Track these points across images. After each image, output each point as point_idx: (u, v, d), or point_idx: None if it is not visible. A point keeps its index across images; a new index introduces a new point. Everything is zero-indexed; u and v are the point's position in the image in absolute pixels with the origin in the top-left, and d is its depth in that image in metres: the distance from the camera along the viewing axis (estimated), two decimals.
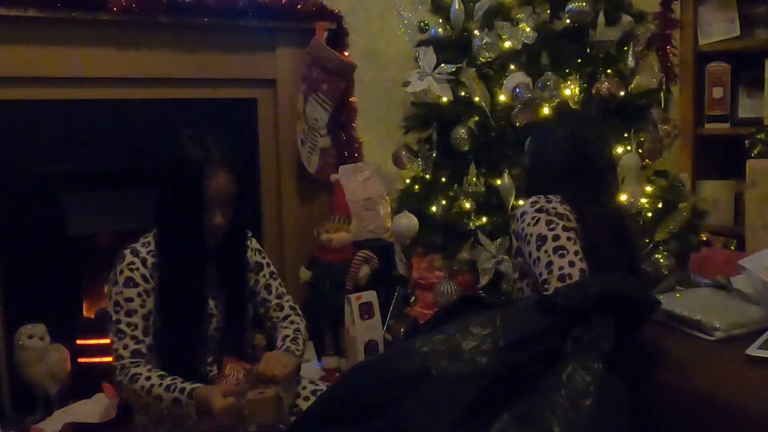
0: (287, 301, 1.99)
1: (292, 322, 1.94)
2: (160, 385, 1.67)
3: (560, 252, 1.65)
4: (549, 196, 1.78)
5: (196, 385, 1.67)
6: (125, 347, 1.71)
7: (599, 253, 1.70)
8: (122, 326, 1.73)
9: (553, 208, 1.73)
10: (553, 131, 1.99)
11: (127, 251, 1.79)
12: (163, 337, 1.78)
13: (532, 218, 1.73)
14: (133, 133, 2.53)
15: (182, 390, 1.65)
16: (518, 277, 1.85)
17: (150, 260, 1.79)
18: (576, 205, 1.77)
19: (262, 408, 1.63)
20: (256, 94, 2.76)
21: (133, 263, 1.77)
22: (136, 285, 1.75)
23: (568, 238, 1.68)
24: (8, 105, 2.34)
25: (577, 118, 2.30)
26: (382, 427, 1.40)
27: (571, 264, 1.63)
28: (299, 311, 2.00)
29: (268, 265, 1.98)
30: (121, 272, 1.76)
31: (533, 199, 1.78)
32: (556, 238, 1.68)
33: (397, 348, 1.91)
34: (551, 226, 1.69)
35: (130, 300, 1.74)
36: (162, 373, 1.71)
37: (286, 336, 1.89)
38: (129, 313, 1.73)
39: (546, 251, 1.67)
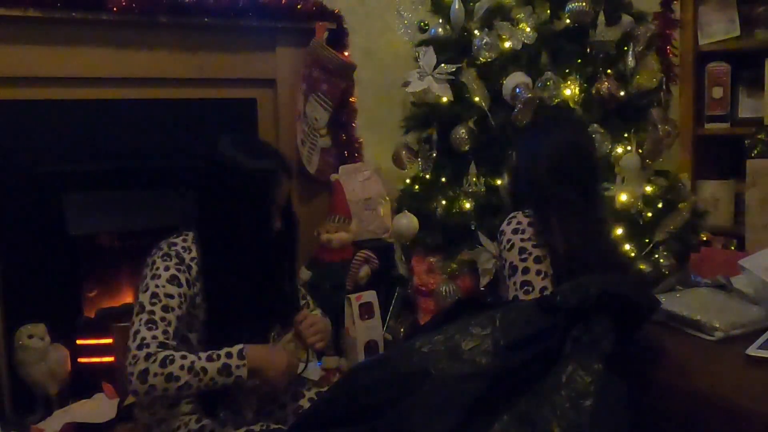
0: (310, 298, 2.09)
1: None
2: (200, 358, 1.59)
3: (525, 288, 1.68)
4: (527, 211, 1.78)
5: (240, 345, 1.63)
6: (154, 338, 1.59)
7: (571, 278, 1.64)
8: (156, 318, 1.62)
9: (529, 224, 1.73)
10: (545, 134, 1.94)
11: (174, 249, 1.72)
12: (206, 329, 1.74)
13: (508, 241, 1.74)
14: (133, 133, 2.53)
15: (229, 354, 1.61)
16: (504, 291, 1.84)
17: (195, 268, 1.72)
18: (550, 226, 1.73)
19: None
20: (255, 94, 2.76)
21: (180, 266, 1.70)
22: (180, 285, 1.67)
23: (537, 272, 1.69)
24: (8, 105, 2.34)
25: (570, 121, 2.29)
26: (382, 428, 1.40)
27: None
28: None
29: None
30: (167, 268, 1.68)
31: (512, 214, 1.79)
32: (525, 271, 1.69)
33: (396, 348, 1.91)
34: (523, 256, 1.70)
35: (170, 297, 1.65)
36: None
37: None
38: (165, 309, 1.64)
39: (515, 283, 1.70)
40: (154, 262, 1.70)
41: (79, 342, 2.42)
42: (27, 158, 2.39)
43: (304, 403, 1.87)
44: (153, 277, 1.67)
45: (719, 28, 2.97)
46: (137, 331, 1.60)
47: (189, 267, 1.71)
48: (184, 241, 1.75)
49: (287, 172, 1.79)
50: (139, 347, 1.57)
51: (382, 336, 2.44)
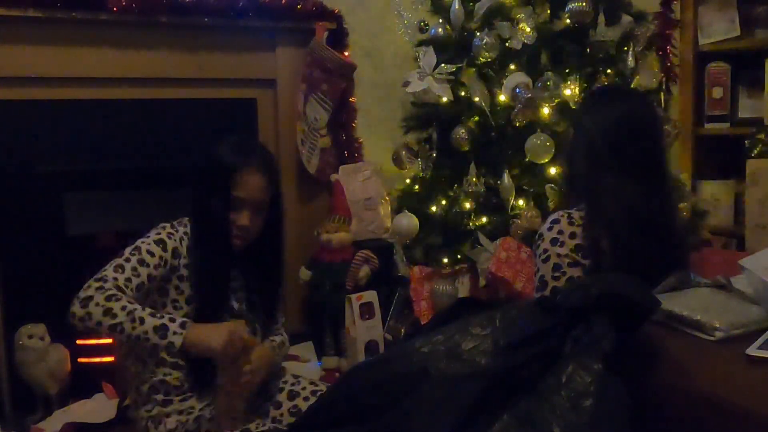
0: (280, 313, 2.04)
1: (278, 334, 2.00)
2: (144, 309, 1.61)
3: None
4: (573, 213, 1.66)
5: (187, 320, 1.66)
6: (114, 279, 1.64)
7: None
8: (128, 265, 1.67)
9: (572, 234, 1.61)
10: (605, 107, 1.71)
11: (170, 222, 1.82)
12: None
13: (544, 251, 1.63)
14: (133, 133, 2.53)
15: (172, 319, 1.62)
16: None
17: (186, 242, 1.80)
18: (604, 221, 1.60)
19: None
20: (255, 94, 2.77)
21: (172, 234, 1.78)
22: (165, 250, 1.74)
23: None
24: (8, 105, 2.34)
25: (636, 95, 2.01)
26: (381, 428, 1.40)
27: None
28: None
29: None
30: (159, 233, 1.77)
31: (554, 217, 1.66)
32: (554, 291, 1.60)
33: (396, 349, 1.91)
34: (556, 274, 1.61)
35: (151, 254, 1.71)
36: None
37: (273, 340, 1.96)
38: (141, 262, 1.69)
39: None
40: (150, 229, 1.78)
41: (79, 342, 2.42)
42: (27, 158, 2.39)
43: (300, 403, 1.87)
44: (144, 236, 1.76)
45: (719, 28, 2.97)
46: (104, 269, 1.67)
47: (181, 239, 1.79)
48: (180, 222, 1.85)
49: (259, 170, 1.80)
50: (96, 279, 1.64)
51: (382, 336, 2.44)
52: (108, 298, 1.59)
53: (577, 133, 1.75)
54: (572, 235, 1.63)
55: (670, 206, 1.73)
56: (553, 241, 1.63)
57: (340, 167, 2.82)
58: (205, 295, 1.78)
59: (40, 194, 2.40)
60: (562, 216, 1.66)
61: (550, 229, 1.65)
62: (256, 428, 1.72)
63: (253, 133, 2.76)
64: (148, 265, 1.70)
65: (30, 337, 2.18)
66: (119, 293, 1.62)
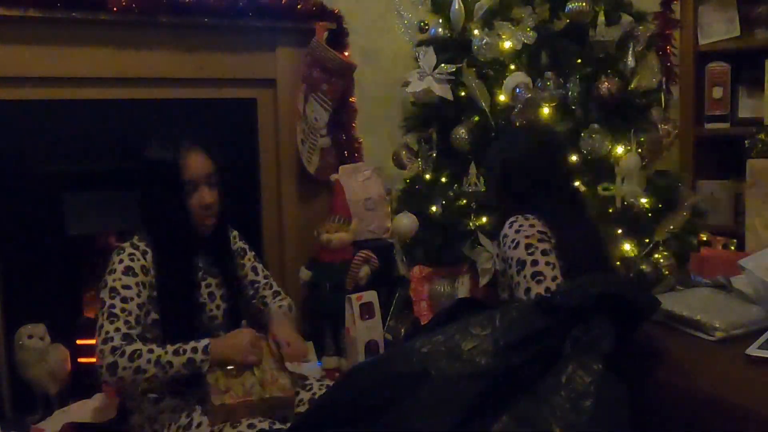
0: (273, 280, 2.10)
1: (283, 299, 2.08)
2: (167, 352, 1.69)
3: (537, 278, 1.67)
4: (527, 215, 1.79)
5: (206, 340, 1.72)
6: (117, 330, 1.69)
7: (578, 272, 1.70)
8: (116, 311, 1.72)
9: (531, 225, 1.75)
10: (522, 135, 2.05)
11: (125, 244, 1.84)
12: (162, 328, 1.80)
13: (512, 241, 1.75)
14: (133, 133, 2.52)
15: (194, 349, 1.70)
16: (508, 296, 1.85)
17: (150, 253, 1.82)
18: (554, 223, 1.78)
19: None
20: (255, 94, 2.76)
21: (133, 254, 1.80)
22: (135, 275, 1.77)
23: (547, 263, 1.70)
24: (8, 105, 2.34)
25: (543, 128, 2.33)
26: (381, 428, 1.40)
27: (548, 290, 1.65)
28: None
29: (250, 249, 2.08)
30: (121, 261, 1.78)
31: (512, 219, 1.80)
32: (534, 263, 1.69)
33: (396, 349, 1.91)
34: (530, 251, 1.71)
35: (127, 287, 1.75)
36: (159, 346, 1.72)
37: (282, 306, 2.04)
38: (125, 300, 1.73)
39: (525, 276, 1.69)
40: (111, 261, 1.80)
41: (79, 342, 2.42)
42: (27, 158, 2.39)
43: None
44: (110, 272, 1.77)
45: (719, 28, 2.97)
46: (101, 326, 1.71)
47: (145, 252, 1.81)
48: (137, 237, 1.87)
49: (192, 147, 1.82)
50: (104, 341, 1.68)
51: (382, 336, 2.44)
52: (130, 358, 1.66)
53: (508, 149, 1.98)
54: (531, 225, 1.77)
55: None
56: (518, 231, 1.76)
57: (340, 167, 2.82)
58: (174, 305, 1.82)
59: (39, 194, 2.40)
60: (517, 216, 1.80)
61: (510, 225, 1.79)
62: (256, 427, 1.71)
63: (253, 133, 2.77)
64: (131, 299, 1.75)
65: (30, 337, 2.18)
66: (133, 345, 1.68)
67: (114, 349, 1.67)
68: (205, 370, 1.71)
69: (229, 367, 1.74)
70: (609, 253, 2.18)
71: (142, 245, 1.83)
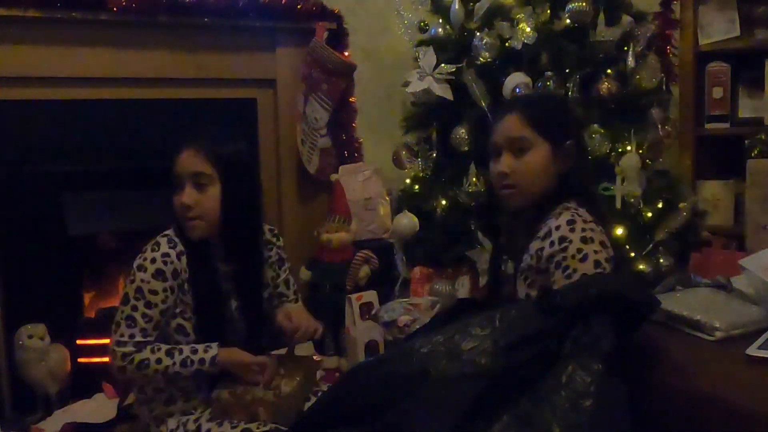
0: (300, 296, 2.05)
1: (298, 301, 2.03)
2: (174, 363, 1.69)
3: None
4: (579, 210, 1.64)
5: (213, 351, 1.71)
6: (131, 336, 1.68)
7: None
8: (137, 314, 1.69)
9: (591, 229, 1.59)
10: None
11: (163, 240, 1.75)
12: (193, 330, 1.78)
13: (578, 251, 1.57)
14: (133, 133, 2.53)
15: (202, 360, 1.70)
16: (529, 294, 1.71)
17: (184, 256, 1.75)
18: (602, 218, 1.67)
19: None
20: (255, 94, 2.77)
21: (167, 255, 1.73)
22: (165, 279, 1.71)
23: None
24: (8, 105, 2.34)
25: None
26: (381, 429, 1.40)
27: None
28: None
29: (287, 260, 2.00)
30: (154, 260, 1.71)
31: (567, 217, 1.61)
32: None
33: (396, 349, 1.91)
34: (599, 269, 1.56)
35: (154, 293, 1.70)
36: (168, 348, 1.71)
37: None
38: (149, 305, 1.70)
39: None
40: (143, 256, 1.74)
41: (79, 342, 2.43)
42: (27, 158, 2.39)
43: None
44: (141, 269, 1.72)
45: (719, 28, 2.97)
46: (118, 324, 1.71)
47: (180, 254, 1.75)
48: (168, 236, 1.78)
49: (190, 145, 1.75)
50: (117, 344, 1.69)
51: (382, 336, 2.44)
52: (138, 367, 1.68)
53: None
54: (592, 229, 1.60)
55: None
56: (583, 240, 1.58)
57: (340, 167, 2.82)
58: (205, 304, 1.78)
59: (40, 194, 2.40)
60: (573, 215, 1.62)
61: (572, 229, 1.59)
62: (257, 428, 1.72)
63: (253, 133, 2.76)
64: (156, 305, 1.71)
65: (30, 337, 2.18)
66: (143, 354, 1.69)
67: (125, 356, 1.68)
68: (214, 375, 1.74)
69: (237, 391, 1.71)
70: None
71: (179, 242, 1.75)
